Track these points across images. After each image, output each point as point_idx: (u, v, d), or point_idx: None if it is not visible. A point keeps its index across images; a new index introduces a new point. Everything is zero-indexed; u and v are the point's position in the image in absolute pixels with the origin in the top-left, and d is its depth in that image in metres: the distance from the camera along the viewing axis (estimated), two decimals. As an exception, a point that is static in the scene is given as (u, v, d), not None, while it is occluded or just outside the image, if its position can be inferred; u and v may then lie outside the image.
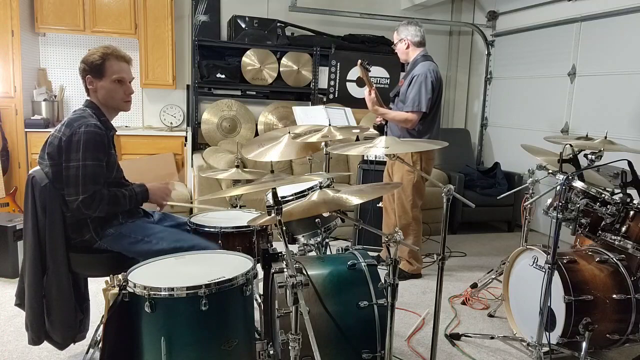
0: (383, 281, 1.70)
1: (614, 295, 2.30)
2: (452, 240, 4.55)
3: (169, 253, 2.00)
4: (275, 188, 1.58)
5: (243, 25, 5.03)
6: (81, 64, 2.10)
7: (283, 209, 1.59)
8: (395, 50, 3.49)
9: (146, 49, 4.83)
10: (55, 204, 2.01)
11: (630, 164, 2.24)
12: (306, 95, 5.42)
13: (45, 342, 2.10)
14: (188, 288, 1.58)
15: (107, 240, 2.08)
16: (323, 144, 2.61)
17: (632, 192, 2.27)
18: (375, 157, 3.91)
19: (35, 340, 2.08)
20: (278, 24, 5.16)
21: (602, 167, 2.55)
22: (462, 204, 4.64)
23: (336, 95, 5.32)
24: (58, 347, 2.15)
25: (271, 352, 1.86)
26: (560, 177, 2.36)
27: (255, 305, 2.11)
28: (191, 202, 4.28)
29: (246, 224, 2.28)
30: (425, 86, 3.23)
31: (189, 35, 5.12)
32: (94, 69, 2.08)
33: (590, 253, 2.48)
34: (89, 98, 2.15)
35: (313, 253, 2.55)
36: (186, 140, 4.95)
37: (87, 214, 2.00)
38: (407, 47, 3.39)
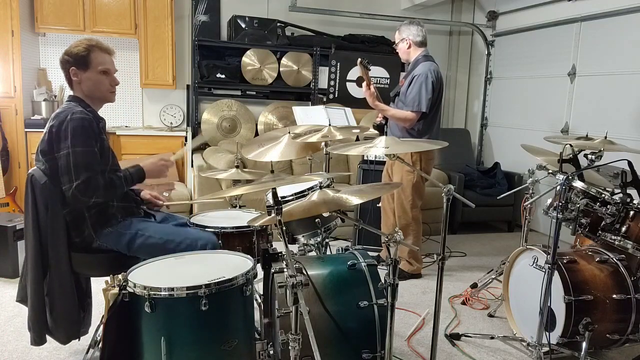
0: (383, 281, 1.70)
1: (614, 295, 2.30)
2: (452, 240, 4.54)
3: (162, 246, 2.01)
4: (275, 188, 1.58)
5: (243, 25, 5.03)
6: (64, 55, 2.08)
7: (283, 209, 1.59)
8: (397, 50, 3.49)
9: (146, 49, 4.83)
10: (56, 201, 2.00)
11: (630, 164, 2.25)
12: (306, 95, 5.42)
13: (46, 342, 2.10)
14: (188, 288, 1.58)
15: (106, 239, 2.08)
16: (323, 144, 2.61)
17: (632, 192, 2.27)
18: (375, 157, 3.91)
19: (37, 341, 2.07)
20: (278, 24, 5.17)
21: (602, 167, 2.55)
22: (462, 204, 4.64)
23: (336, 95, 5.32)
24: (61, 342, 2.15)
25: (271, 352, 1.86)
26: (560, 177, 2.36)
27: (255, 305, 2.11)
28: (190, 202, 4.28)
29: (246, 224, 2.28)
30: (426, 86, 3.22)
31: (189, 35, 5.12)
32: (79, 61, 2.07)
33: (590, 253, 2.48)
34: (72, 94, 2.14)
35: (313, 253, 2.55)
36: (186, 140, 4.95)
37: (84, 201, 1.98)
38: (409, 47, 3.39)
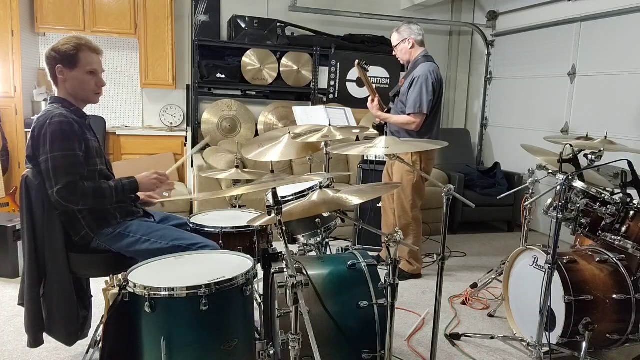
0: (383, 281, 1.70)
1: (614, 295, 2.30)
2: (452, 240, 4.55)
3: (168, 252, 1.99)
4: (275, 188, 1.58)
5: (243, 25, 5.03)
6: (51, 52, 2.06)
7: (283, 209, 1.59)
8: (396, 52, 3.48)
9: (146, 49, 4.83)
10: (51, 201, 1.99)
11: (630, 164, 2.25)
12: (306, 95, 5.42)
13: (44, 343, 2.10)
14: (188, 288, 1.58)
15: (105, 240, 2.07)
16: (323, 144, 2.61)
17: (632, 192, 2.27)
18: (375, 157, 3.91)
19: (32, 343, 2.06)
20: (278, 24, 5.17)
21: (602, 167, 2.55)
22: (462, 204, 4.64)
23: (336, 95, 5.32)
24: (64, 343, 2.14)
25: (271, 352, 1.86)
26: (560, 177, 2.36)
27: (255, 305, 2.11)
28: (191, 202, 4.28)
29: (246, 224, 2.28)
30: (427, 88, 3.22)
31: (189, 35, 5.12)
32: (66, 59, 2.04)
33: (590, 253, 2.48)
34: (54, 95, 2.12)
35: (313, 253, 2.55)
36: (186, 140, 4.95)
37: (67, 207, 1.96)
38: (412, 47, 3.38)
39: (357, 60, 3.26)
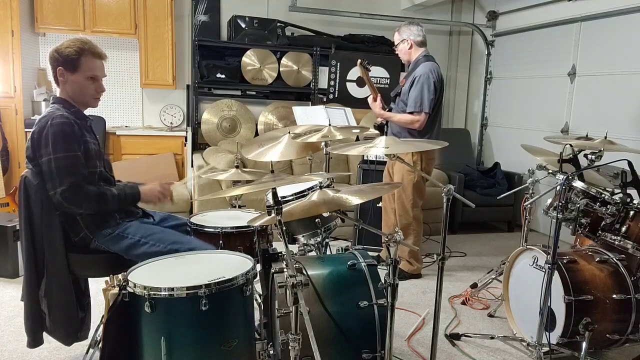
0: (383, 281, 1.70)
1: (614, 295, 2.30)
2: (452, 240, 4.55)
3: (166, 255, 1.99)
4: (275, 188, 1.58)
5: (243, 25, 5.03)
6: (54, 52, 2.04)
7: (283, 209, 1.59)
8: (397, 51, 3.49)
9: (146, 49, 4.83)
10: (50, 201, 1.98)
11: (630, 164, 2.25)
12: (306, 95, 5.42)
13: (44, 343, 2.10)
14: (188, 288, 1.58)
15: (104, 241, 2.06)
16: (323, 144, 2.61)
17: (632, 192, 2.27)
18: (376, 157, 3.91)
19: (32, 343, 2.06)
20: (278, 24, 5.17)
21: (602, 167, 2.55)
22: (462, 204, 4.64)
23: (336, 95, 5.32)
24: (63, 342, 2.14)
25: (271, 352, 1.86)
26: (560, 177, 2.36)
27: (255, 305, 2.11)
28: (190, 202, 4.29)
29: (247, 224, 2.28)
30: (428, 87, 3.22)
31: (189, 35, 5.12)
32: (67, 62, 2.03)
33: (590, 253, 2.48)
34: (56, 95, 2.12)
35: (313, 253, 2.55)
36: (186, 140, 4.95)
37: (70, 209, 1.96)
38: (410, 48, 3.39)
39: (359, 60, 3.26)
